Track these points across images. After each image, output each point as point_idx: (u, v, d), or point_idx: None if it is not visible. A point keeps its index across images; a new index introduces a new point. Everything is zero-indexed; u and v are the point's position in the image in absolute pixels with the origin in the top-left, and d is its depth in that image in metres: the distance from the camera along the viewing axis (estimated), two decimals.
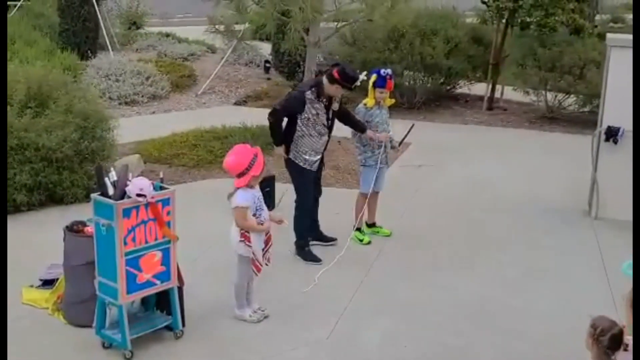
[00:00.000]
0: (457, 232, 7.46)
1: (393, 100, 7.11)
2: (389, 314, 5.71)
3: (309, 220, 6.77)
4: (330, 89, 6.40)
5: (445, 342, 5.30)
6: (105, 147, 8.16)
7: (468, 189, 8.87)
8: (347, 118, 6.87)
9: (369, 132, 6.84)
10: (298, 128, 6.47)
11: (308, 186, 6.70)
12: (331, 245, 6.96)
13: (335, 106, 6.62)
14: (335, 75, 6.33)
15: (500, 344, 5.28)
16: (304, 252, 6.68)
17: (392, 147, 7.18)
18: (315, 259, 6.60)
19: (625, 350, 3.65)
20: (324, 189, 7.10)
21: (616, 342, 3.61)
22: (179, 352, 5.08)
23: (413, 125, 7.28)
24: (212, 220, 7.02)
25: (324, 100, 6.46)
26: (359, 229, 7.17)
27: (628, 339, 3.78)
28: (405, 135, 7.20)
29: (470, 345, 5.27)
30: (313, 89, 6.43)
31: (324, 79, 6.43)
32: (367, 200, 7.11)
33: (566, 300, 5.81)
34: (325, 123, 6.54)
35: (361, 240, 7.09)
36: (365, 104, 6.92)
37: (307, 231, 6.76)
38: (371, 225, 7.36)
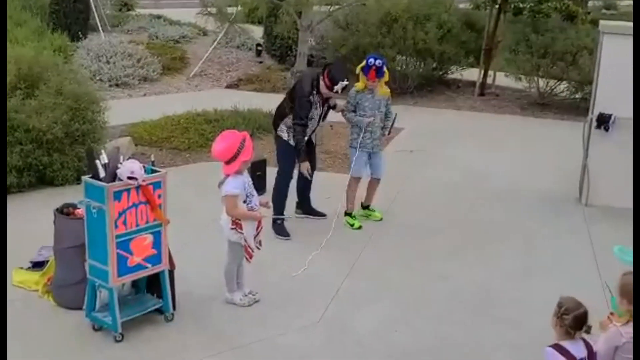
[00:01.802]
0: (448, 219, 7.46)
1: (388, 90, 7.14)
2: (381, 299, 5.72)
3: (285, 195, 6.94)
4: (321, 84, 6.64)
5: (440, 330, 5.29)
6: (95, 130, 8.12)
7: (460, 175, 8.87)
8: None
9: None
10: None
11: (290, 164, 6.91)
12: (320, 218, 7.16)
13: (332, 102, 6.95)
14: (325, 73, 6.60)
15: (496, 334, 5.26)
16: (275, 225, 6.83)
17: (383, 135, 7.20)
18: (284, 234, 6.78)
19: (587, 332, 3.71)
20: (316, 172, 7.17)
21: (579, 322, 3.69)
22: (169, 335, 5.08)
23: (396, 115, 7.30)
24: (204, 204, 7.01)
25: (321, 95, 6.72)
26: (350, 214, 7.18)
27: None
28: (391, 126, 7.21)
29: (469, 335, 5.24)
30: (313, 89, 6.67)
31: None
32: (358, 184, 7.16)
33: (561, 290, 5.78)
34: (321, 113, 6.86)
35: (352, 225, 7.10)
36: (355, 86, 7.00)
37: (283, 206, 6.93)
38: (365, 207, 7.38)
